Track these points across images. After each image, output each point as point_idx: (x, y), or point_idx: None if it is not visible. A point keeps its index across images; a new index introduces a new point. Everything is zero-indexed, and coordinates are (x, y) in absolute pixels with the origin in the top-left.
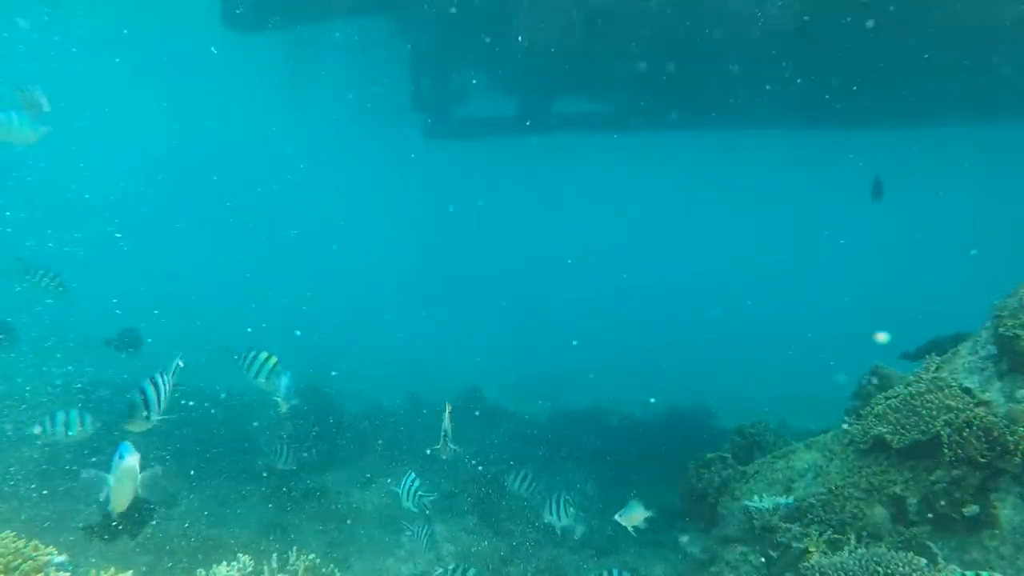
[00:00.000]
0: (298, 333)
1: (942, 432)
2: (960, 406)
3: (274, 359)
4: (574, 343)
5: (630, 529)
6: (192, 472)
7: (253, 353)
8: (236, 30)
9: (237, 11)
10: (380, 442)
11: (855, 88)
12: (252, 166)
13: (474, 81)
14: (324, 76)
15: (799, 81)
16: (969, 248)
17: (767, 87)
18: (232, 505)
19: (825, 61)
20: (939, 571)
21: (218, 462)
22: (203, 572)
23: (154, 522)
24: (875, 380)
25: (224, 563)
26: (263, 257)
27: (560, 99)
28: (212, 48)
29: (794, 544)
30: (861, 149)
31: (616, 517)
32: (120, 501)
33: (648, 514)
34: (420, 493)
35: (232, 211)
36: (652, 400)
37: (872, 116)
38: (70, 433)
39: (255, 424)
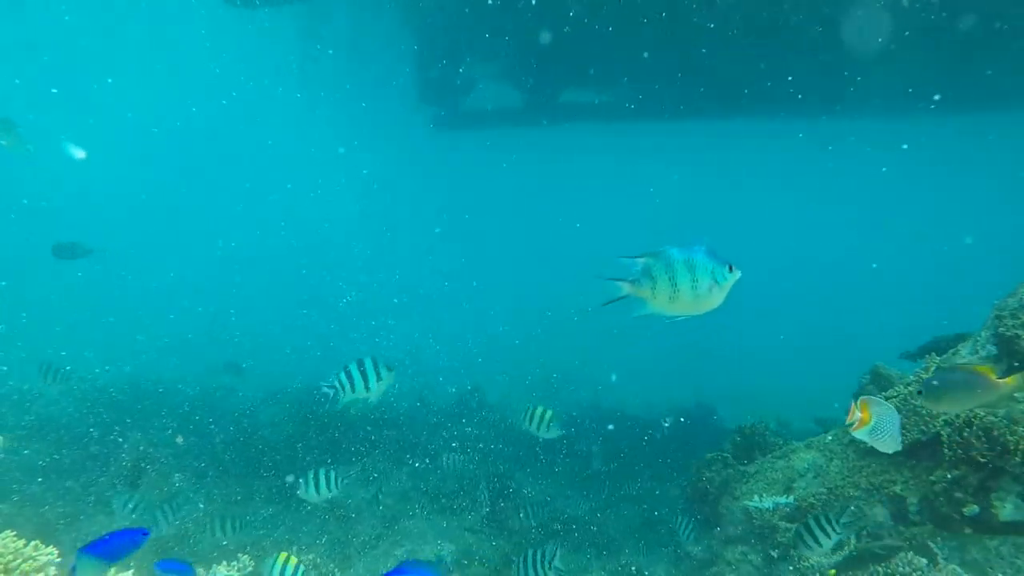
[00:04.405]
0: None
1: (942, 432)
2: None
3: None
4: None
5: None
6: (195, 473)
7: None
8: (236, 7)
9: None
10: (384, 442)
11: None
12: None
13: (482, 71)
14: (329, 63)
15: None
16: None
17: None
18: (238, 505)
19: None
20: (939, 571)
21: (229, 468)
22: (203, 572)
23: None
24: (875, 380)
25: (224, 563)
26: (260, 257)
27: (572, 88)
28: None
29: None
30: (861, 140)
31: None
32: None
33: None
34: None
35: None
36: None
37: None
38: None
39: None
